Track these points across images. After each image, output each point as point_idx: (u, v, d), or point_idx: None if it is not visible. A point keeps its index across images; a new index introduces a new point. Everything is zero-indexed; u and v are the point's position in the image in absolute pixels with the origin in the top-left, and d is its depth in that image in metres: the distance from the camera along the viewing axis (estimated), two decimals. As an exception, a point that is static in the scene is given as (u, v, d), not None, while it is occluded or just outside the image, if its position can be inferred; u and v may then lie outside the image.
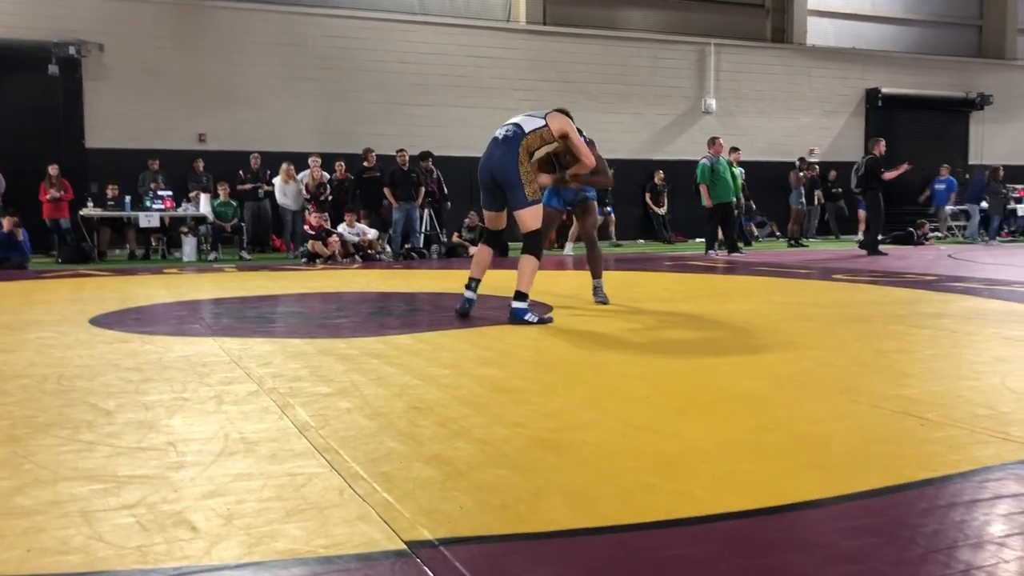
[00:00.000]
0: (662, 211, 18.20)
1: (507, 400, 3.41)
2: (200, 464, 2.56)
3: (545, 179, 6.33)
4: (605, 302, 6.78)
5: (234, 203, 14.31)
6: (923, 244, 16.88)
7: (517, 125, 5.82)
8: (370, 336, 5.19)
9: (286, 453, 2.68)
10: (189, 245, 13.64)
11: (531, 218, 5.73)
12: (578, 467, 2.54)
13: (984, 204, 18.11)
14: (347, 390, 3.60)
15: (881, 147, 13.64)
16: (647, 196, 18.18)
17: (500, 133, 5.83)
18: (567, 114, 6.21)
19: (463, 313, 5.98)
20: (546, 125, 5.85)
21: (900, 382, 3.73)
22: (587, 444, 2.77)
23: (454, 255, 14.10)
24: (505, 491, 2.31)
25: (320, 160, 14.14)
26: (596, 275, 6.95)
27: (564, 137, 5.94)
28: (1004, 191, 18.31)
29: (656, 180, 18.04)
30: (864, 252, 13.64)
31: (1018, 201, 19.51)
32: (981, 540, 1.98)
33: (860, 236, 15.75)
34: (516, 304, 5.70)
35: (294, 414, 3.19)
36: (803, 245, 16.52)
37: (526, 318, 5.60)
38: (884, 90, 20.29)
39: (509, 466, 2.54)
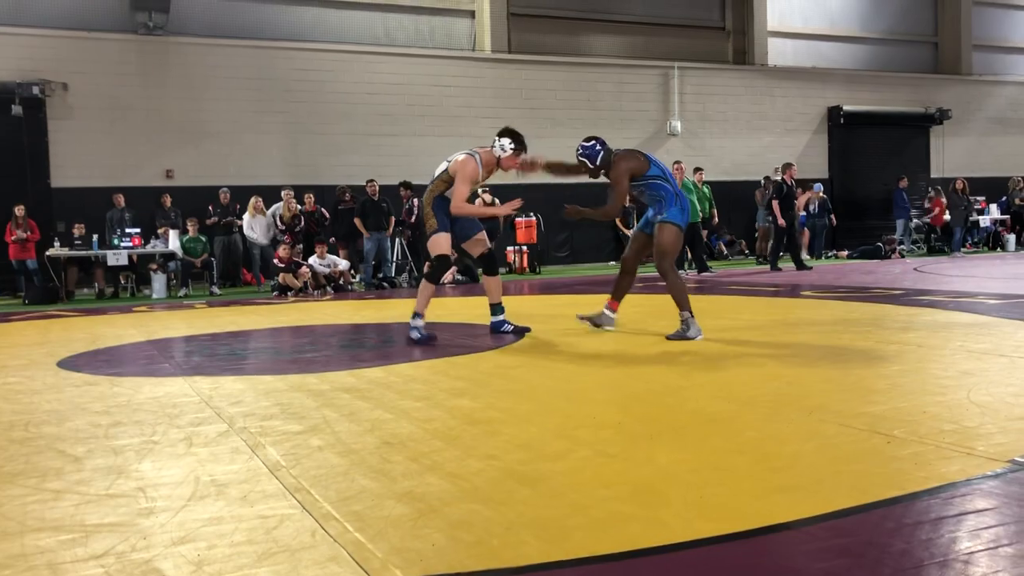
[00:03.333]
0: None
1: (480, 432, 3.41)
2: (170, 509, 2.54)
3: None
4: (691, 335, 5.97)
5: (203, 238, 14.22)
6: (890, 258, 17.11)
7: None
8: (342, 370, 5.17)
9: (257, 495, 2.66)
10: (159, 282, 13.54)
11: (432, 247, 6.37)
12: (551, 499, 2.55)
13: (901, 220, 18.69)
14: (318, 427, 3.59)
15: (792, 172, 14.28)
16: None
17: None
18: (513, 134, 6.69)
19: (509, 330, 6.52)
20: (445, 170, 6.45)
21: (867, 399, 3.78)
22: (560, 474, 2.78)
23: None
24: (478, 526, 2.31)
25: (292, 192, 14.14)
26: (682, 306, 6.07)
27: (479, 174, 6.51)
28: (966, 203, 18.63)
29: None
30: (798, 268, 13.93)
31: (980, 213, 19.85)
32: (947, 558, 2.01)
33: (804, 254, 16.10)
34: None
35: (265, 454, 3.17)
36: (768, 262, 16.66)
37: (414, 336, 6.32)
38: (845, 107, 20.62)
39: (482, 500, 2.54)
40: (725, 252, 19.04)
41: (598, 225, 18.18)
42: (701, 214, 14.58)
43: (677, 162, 14.13)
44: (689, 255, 14.11)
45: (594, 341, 6.13)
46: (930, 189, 19.76)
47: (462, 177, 6.33)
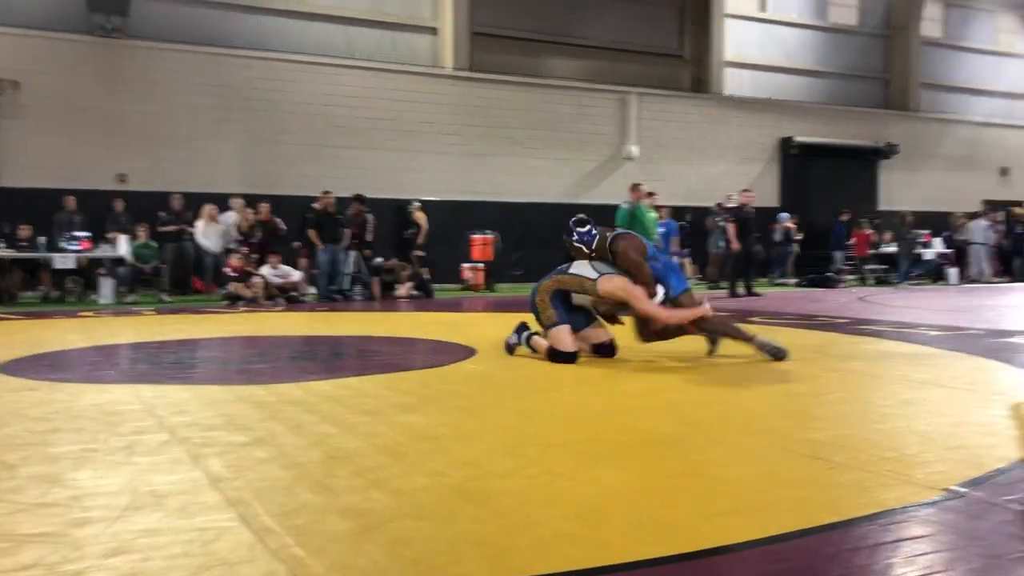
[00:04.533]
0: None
1: (427, 448, 3.39)
2: (105, 520, 2.49)
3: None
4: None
5: (154, 244, 13.99)
6: (837, 287, 17.43)
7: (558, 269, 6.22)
8: (290, 382, 5.11)
9: (197, 506, 2.62)
10: (107, 287, 13.26)
11: (551, 340, 5.98)
12: (495, 517, 2.54)
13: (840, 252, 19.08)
14: (263, 439, 3.54)
15: (749, 197, 14.63)
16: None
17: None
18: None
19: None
20: (595, 279, 5.98)
21: (810, 425, 3.84)
22: (505, 492, 2.78)
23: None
24: (420, 544, 2.30)
25: (244, 201, 14.04)
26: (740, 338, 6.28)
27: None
28: (912, 236, 19.08)
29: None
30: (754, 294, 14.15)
31: (925, 246, 20.33)
32: (882, 583, 2.04)
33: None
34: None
35: (207, 465, 3.12)
36: (722, 288, 16.90)
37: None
38: (798, 138, 21.04)
39: (426, 517, 2.53)
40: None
41: (552, 246, 18.27)
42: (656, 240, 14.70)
43: (637, 184, 14.25)
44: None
45: (542, 361, 6.14)
46: (862, 222, 20.09)
47: (638, 296, 5.91)
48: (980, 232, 19.90)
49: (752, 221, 14.35)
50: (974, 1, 24.95)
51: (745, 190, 15.01)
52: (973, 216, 20.65)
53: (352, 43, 17.34)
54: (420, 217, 15.44)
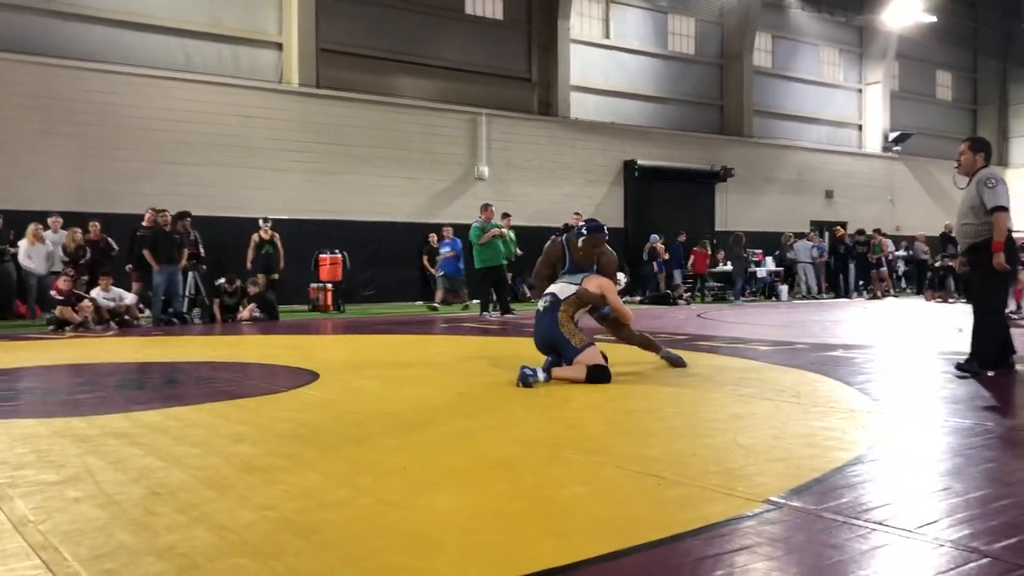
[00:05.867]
0: (439, 273, 18.42)
1: (257, 480, 3.26)
2: None
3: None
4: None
5: (-31, 266, 12.97)
6: (677, 304, 18.13)
7: (553, 295, 6.25)
8: (115, 413, 4.82)
9: (-6, 555, 2.41)
10: (-87, 313, 12.18)
11: (588, 359, 5.94)
12: (324, 551, 2.46)
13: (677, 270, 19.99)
14: (79, 476, 3.31)
15: (576, 220, 15.37)
16: (424, 259, 18.38)
17: (540, 305, 6.30)
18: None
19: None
20: (575, 293, 6.21)
21: (643, 442, 3.94)
22: (337, 524, 2.70)
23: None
24: (242, 582, 2.20)
25: (61, 220, 13.34)
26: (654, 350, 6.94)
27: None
28: (745, 255, 20.12)
29: (431, 243, 18.29)
30: None
31: (758, 265, 21.48)
32: (700, 598, 2.10)
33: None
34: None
35: (11, 507, 2.88)
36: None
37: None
38: (640, 162, 21.83)
39: (250, 554, 2.42)
40: (529, 295, 19.52)
41: (404, 265, 18.20)
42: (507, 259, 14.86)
43: (488, 204, 14.41)
44: (494, 297, 14.34)
45: (387, 385, 6.07)
46: (702, 242, 20.97)
47: (611, 291, 6.40)
48: (805, 251, 21.21)
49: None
50: (800, 35, 26.70)
51: (576, 213, 15.78)
52: (799, 236, 21.96)
53: (190, 56, 16.71)
54: (276, 237, 15.10)
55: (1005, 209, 6.02)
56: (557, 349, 6.09)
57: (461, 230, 16.24)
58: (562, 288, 6.29)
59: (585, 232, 6.75)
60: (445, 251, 16.73)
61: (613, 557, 2.39)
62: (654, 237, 19.79)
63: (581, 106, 21.83)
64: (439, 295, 16.52)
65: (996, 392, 5.51)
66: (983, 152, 6.37)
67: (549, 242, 7.22)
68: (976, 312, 6.29)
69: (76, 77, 15.19)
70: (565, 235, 7.13)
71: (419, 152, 18.86)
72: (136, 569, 2.30)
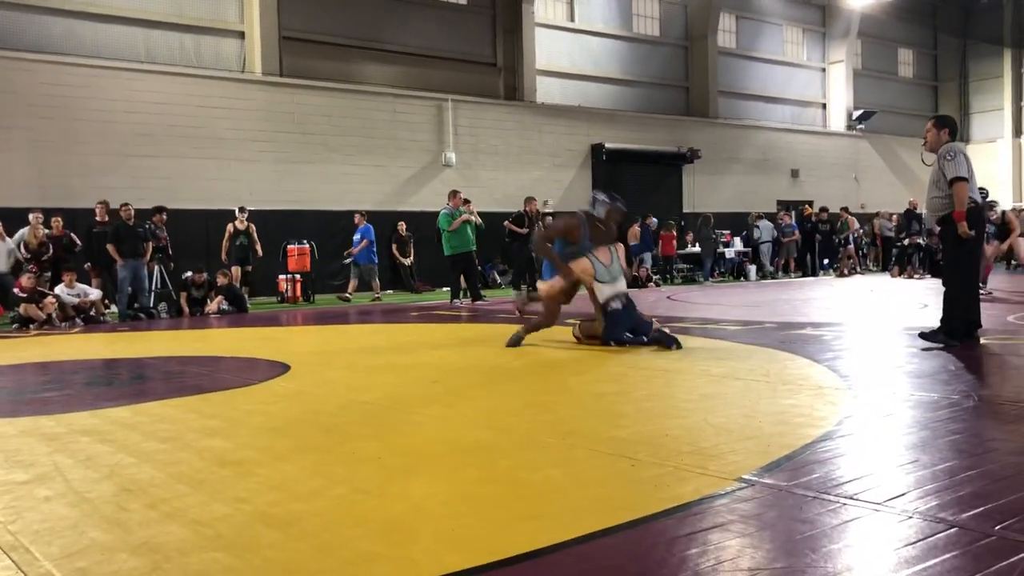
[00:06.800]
0: (408, 261, 18.38)
1: (230, 474, 3.24)
2: None
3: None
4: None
5: (-71, 265, 12.72)
6: (646, 287, 18.21)
7: (625, 295, 7.12)
8: (83, 411, 4.76)
9: (-37, 558, 2.38)
10: None
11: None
12: (299, 541, 2.46)
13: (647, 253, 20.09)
14: (48, 475, 3.28)
15: (533, 206, 16.12)
16: (393, 247, 18.30)
17: (614, 305, 6.99)
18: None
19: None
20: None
21: (616, 423, 3.96)
22: (312, 515, 2.70)
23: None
24: (217, 576, 2.19)
25: (42, 216, 13.03)
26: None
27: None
28: (714, 236, 20.23)
29: (400, 231, 18.22)
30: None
31: (726, 245, 21.62)
32: (675, 576, 2.12)
33: None
34: None
35: (-21, 509, 2.84)
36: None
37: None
38: (608, 145, 21.85)
39: (224, 548, 2.41)
40: (499, 281, 19.53)
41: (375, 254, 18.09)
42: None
43: (456, 191, 14.38)
44: (464, 284, 14.33)
45: (359, 374, 6.05)
46: (669, 224, 21.06)
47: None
48: (767, 231, 21.37)
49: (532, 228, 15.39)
50: (763, 15, 26.82)
51: (529, 198, 16.38)
52: (759, 217, 22.08)
53: (152, 47, 16.45)
54: (252, 228, 14.95)
55: (964, 179, 6.17)
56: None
57: (429, 217, 16.18)
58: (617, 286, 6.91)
59: (608, 201, 7.03)
60: (358, 239, 16.23)
61: (588, 539, 2.41)
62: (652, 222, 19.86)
63: (547, 90, 21.80)
64: (352, 285, 16.30)
65: (961, 366, 5.61)
66: (947, 128, 6.53)
67: (569, 215, 7.46)
68: (947, 283, 6.41)
69: (30, 70, 14.89)
70: (584, 212, 7.29)
71: (385, 139, 18.74)
72: (109, 566, 2.28)
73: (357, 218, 16.46)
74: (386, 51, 19.22)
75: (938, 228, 6.57)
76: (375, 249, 16.35)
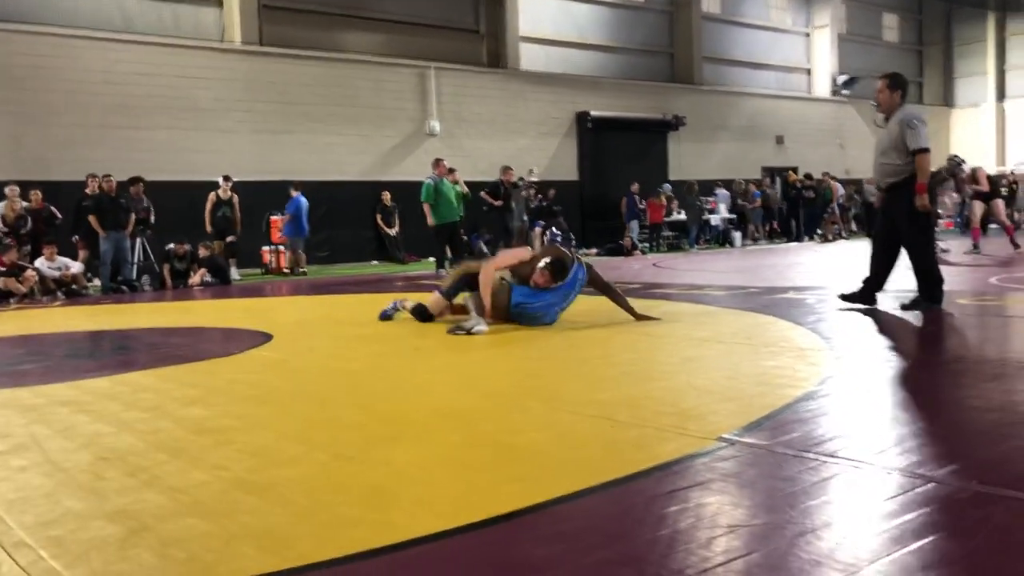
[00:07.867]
0: (393, 231, 18.29)
1: (209, 441, 3.22)
2: None
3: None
4: None
5: (-94, 240, 12.55)
6: (632, 255, 18.21)
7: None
8: (62, 382, 4.72)
9: (-64, 528, 2.35)
10: None
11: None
12: (278, 507, 2.44)
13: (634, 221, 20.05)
14: (24, 446, 3.24)
15: (509, 175, 16.37)
16: (378, 217, 18.20)
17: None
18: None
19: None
20: None
21: (598, 387, 3.96)
22: (291, 481, 2.68)
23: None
24: (194, 542, 2.17)
25: (19, 189, 12.85)
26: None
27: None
28: (699, 203, 20.22)
29: (384, 201, 18.10)
30: None
31: (711, 212, 21.62)
32: (657, 536, 2.11)
33: None
34: None
35: (-46, 480, 2.81)
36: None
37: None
38: (593, 113, 21.70)
39: (202, 514, 2.39)
40: (485, 251, 19.46)
41: (358, 225, 18.01)
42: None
43: (440, 160, 14.30)
44: (449, 253, 14.28)
45: (341, 343, 6.02)
46: (659, 192, 21.03)
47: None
48: (724, 199, 21.46)
49: (516, 196, 15.22)
50: (747, -21, 26.63)
51: (506, 167, 16.68)
52: (726, 184, 22.03)
53: (129, 16, 16.17)
54: (235, 198, 14.77)
55: (928, 151, 6.12)
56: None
57: (414, 187, 16.06)
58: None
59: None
60: (290, 212, 15.77)
61: (569, 499, 2.40)
62: (666, 187, 19.91)
63: (531, 58, 21.59)
64: (288, 258, 16.07)
65: (937, 328, 5.63)
66: (900, 90, 6.41)
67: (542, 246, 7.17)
68: (912, 253, 6.37)
69: (5, 40, 14.62)
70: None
71: (368, 108, 18.55)
72: (85, 534, 2.26)
73: (291, 191, 15.95)
74: (367, 19, 18.95)
75: (883, 194, 6.47)
76: (306, 223, 15.87)
